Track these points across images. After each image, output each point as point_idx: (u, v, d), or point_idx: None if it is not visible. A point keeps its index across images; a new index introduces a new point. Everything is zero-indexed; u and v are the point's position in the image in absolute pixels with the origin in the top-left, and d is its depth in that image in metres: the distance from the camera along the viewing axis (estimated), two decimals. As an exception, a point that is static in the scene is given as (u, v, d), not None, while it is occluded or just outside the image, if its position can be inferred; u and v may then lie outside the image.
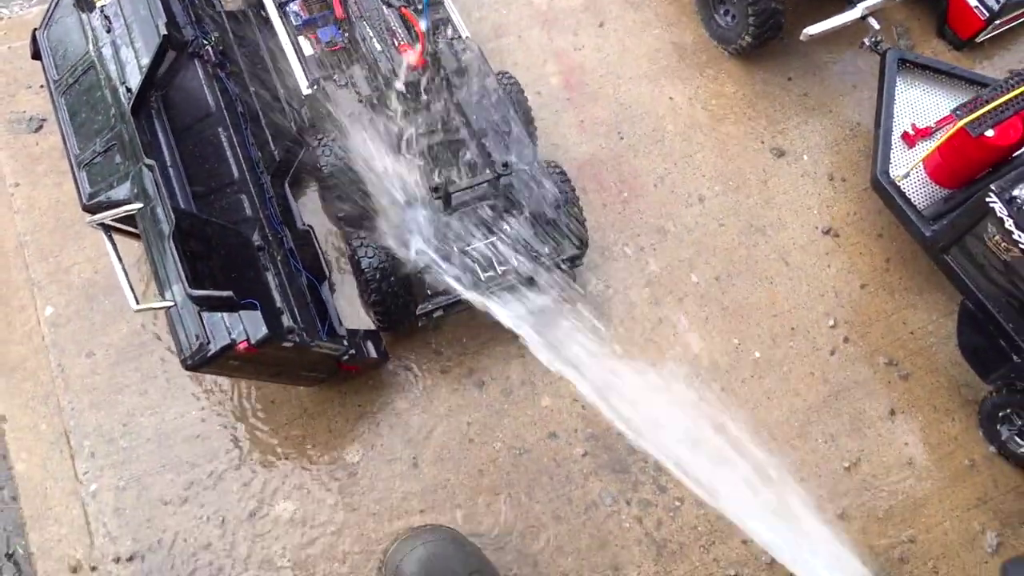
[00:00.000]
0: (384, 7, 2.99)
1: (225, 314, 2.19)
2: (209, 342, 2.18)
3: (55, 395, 2.82)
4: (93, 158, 2.47)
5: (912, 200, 3.00)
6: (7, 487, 2.77)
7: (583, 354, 2.80)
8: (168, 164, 2.47)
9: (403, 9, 2.96)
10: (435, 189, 2.62)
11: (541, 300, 2.78)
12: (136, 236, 2.53)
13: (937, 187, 3.06)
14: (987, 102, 2.79)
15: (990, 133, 2.75)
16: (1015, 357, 2.71)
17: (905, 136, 3.15)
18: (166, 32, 2.41)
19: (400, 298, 2.68)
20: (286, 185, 3.00)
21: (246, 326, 2.18)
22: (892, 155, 3.08)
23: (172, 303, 2.22)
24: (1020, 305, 2.66)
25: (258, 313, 2.18)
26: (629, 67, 3.56)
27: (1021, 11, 3.50)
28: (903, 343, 3.07)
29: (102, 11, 2.56)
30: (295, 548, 2.66)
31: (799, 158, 3.41)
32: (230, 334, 2.18)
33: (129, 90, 2.43)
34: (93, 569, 2.62)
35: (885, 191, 3.03)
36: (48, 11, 2.66)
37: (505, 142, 2.77)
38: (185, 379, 2.86)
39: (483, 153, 2.79)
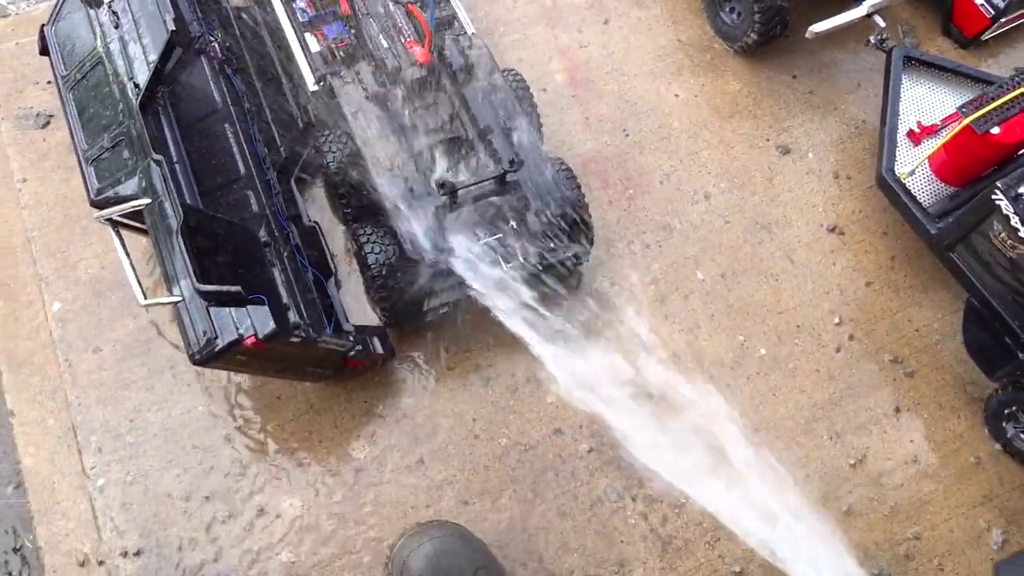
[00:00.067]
0: (391, 4, 2.99)
1: (232, 309, 2.20)
2: (217, 337, 2.19)
3: (63, 390, 2.83)
4: (101, 154, 2.48)
5: (917, 198, 3.00)
6: (14, 481, 2.78)
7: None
8: (175, 160, 2.48)
9: (409, 6, 2.96)
10: (441, 186, 2.63)
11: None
12: (143, 232, 2.54)
13: (942, 185, 3.06)
14: (993, 100, 2.80)
15: (996, 130, 2.75)
16: (1020, 354, 2.70)
17: (910, 134, 3.15)
18: (174, 28, 2.41)
19: (406, 294, 2.68)
20: (292, 181, 3.01)
21: (253, 321, 2.18)
22: (897, 153, 3.09)
23: (180, 298, 2.23)
24: (1026, 302, 2.66)
25: (265, 308, 2.19)
26: (634, 64, 3.56)
27: (1026, 9, 3.50)
28: (908, 341, 3.07)
29: (110, 7, 2.56)
30: (301, 543, 2.67)
31: (804, 156, 3.41)
32: (237, 329, 2.18)
33: (137, 86, 2.44)
34: (100, 563, 2.63)
35: (890, 189, 3.03)
36: (56, 7, 2.67)
37: (511, 139, 2.77)
38: (192, 374, 2.87)
39: (489, 150, 2.79)
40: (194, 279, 2.11)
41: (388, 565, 2.50)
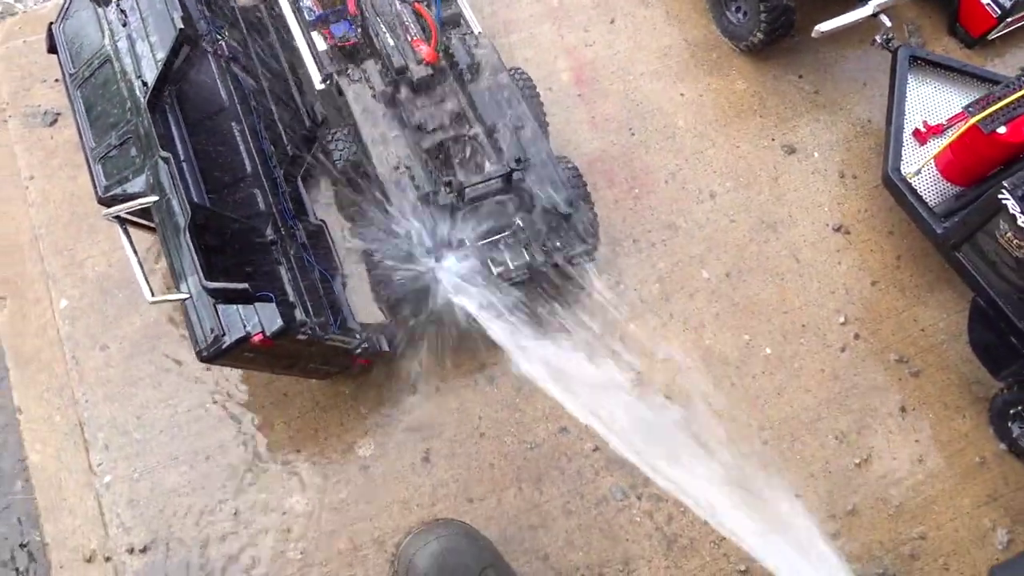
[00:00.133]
0: (397, 2, 3.00)
1: (240, 306, 2.20)
2: (224, 334, 2.20)
3: (70, 387, 2.84)
4: (108, 151, 2.49)
5: (923, 197, 3.00)
6: (22, 478, 2.79)
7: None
8: (182, 158, 2.48)
9: (416, 4, 2.97)
10: (448, 184, 2.63)
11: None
12: (150, 229, 2.55)
13: (948, 184, 3.06)
14: (999, 99, 2.79)
15: (1002, 130, 2.75)
16: (1026, 354, 2.71)
17: (916, 133, 3.15)
18: (182, 26, 2.42)
19: (413, 291, 2.69)
20: (299, 179, 3.02)
21: (261, 318, 2.19)
22: (903, 152, 3.08)
23: (187, 295, 2.23)
24: (1032, 302, 2.66)
25: (273, 306, 2.20)
26: (640, 63, 3.57)
27: (1033, 9, 3.49)
28: (914, 340, 3.07)
29: (118, 5, 2.57)
30: (307, 540, 2.68)
31: (810, 155, 3.41)
32: (245, 326, 2.19)
33: (145, 84, 2.44)
34: (107, 559, 2.64)
35: (896, 188, 3.03)
36: (64, 5, 2.67)
37: (518, 138, 2.78)
38: (198, 372, 2.87)
39: (496, 148, 2.80)
40: (201, 276, 2.11)
41: (394, 563, 2.51)
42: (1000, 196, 2.53)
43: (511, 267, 2.70)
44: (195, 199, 2.33)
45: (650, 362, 2.97)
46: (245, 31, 3.02)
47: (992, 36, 3.60)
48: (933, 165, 3.08)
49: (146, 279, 2.31)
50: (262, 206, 2.66)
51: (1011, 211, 2.51)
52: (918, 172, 3.02)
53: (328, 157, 2.90)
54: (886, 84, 3.26)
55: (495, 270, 2.69)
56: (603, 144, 3.38)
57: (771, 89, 3.55)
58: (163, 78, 2.45)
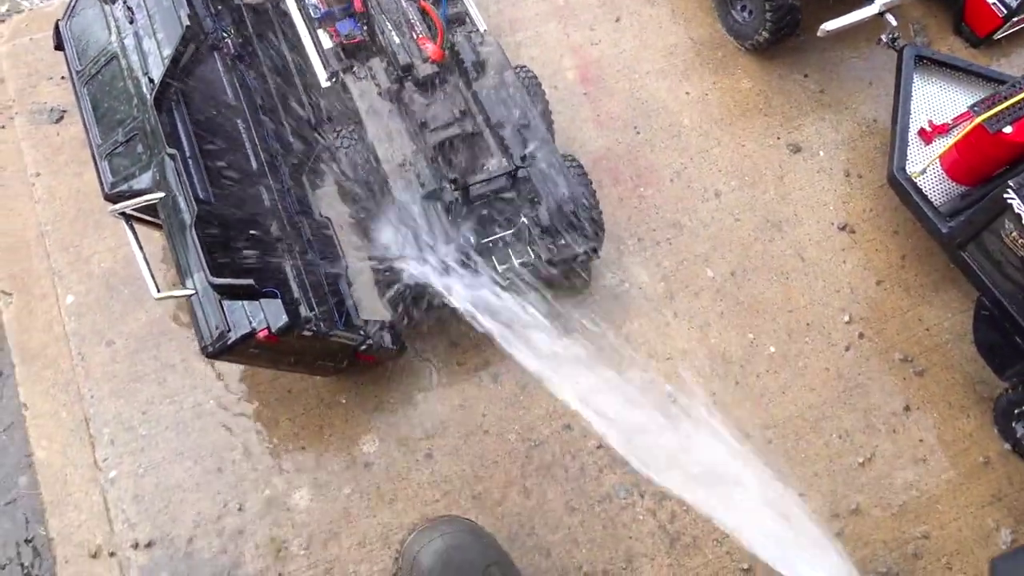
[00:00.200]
0: (403, 0, 3.00)
1: (245, 303, 2.21)
2: (229, 330, 2.20)
3: (75, 383, 2.85)
4: (115, 148, 2.50)
5: (929, 197, 3.00)
6: (27, 474, 2.80)
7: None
8: (188, 155, 2.49)
9: (422, 2, 2.97)
10: (453, 181, 2.64)
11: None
12: (156, 225, 2.55)
13: (954, 184, 3.06)
14: (1005, 99, 2.79)
15: (1008, 130, 2.74)
16: (1031, 354, 2.71)
17: (922, 133, 3.15)
18: (188, 23, 2.43)
19: (417, 289, 2.69)
20: (304, 177, 3.02)
21: (266, 315, 2.20)
22: (909, 152, 3.08)
23: (193, 291, 2.24)
24: (1037, 302, 2.66)
25: (278, 302, 2.20)
26: (645, 62, 3.57)
27: (1039, 9, 3.49)
28: (918, 340, 3.07)
29: (125, 3, 2.58)
30: (311, 536, 2.68)
31: (815, 154, 3.41)
32: (250, 322, 2.20)
33: (151, 81, 2.45)
34: (112, 555, 2.65)
35: (902, 187, 3.03)
36: (71, 3, 2.69)
37: (523, 135, 2.78)
38: (203, 368, 2.88)
39: (501, 146, 2.80)
40: (207, 272, 2.12)
41: (398, 560, 2.51)
42: (1005, 195, 2.53)
43: (516, 265, 2.70)
44: (201, 196, 2.33)
45: (654, 360, 2.97)
46: (251, 28, 3.03)
47: (998, 36, 3.59)
48: (938, 164, 3.08)
49: (152, 275, 2.31)
50: (267, 203, 2.66)
51: (1016, 211, 2.51)
52: (923, 171, 3.02)
53: (333, 155, 2.91)
54: (892, 83, 3.26)
55: (500, 268, 2.69)
56: (608, 142, 3.38)
57: (776, 88, 3.55)
58: (169, 75, 2.46)
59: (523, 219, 2.74)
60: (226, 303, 2.22)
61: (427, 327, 2.93)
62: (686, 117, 3.45)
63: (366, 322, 2.74)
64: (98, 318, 2.94)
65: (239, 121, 2.74)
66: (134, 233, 2.39)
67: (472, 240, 2.69)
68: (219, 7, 2.87)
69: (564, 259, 2.77)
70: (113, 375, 2.87)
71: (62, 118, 3.27)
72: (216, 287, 2.14)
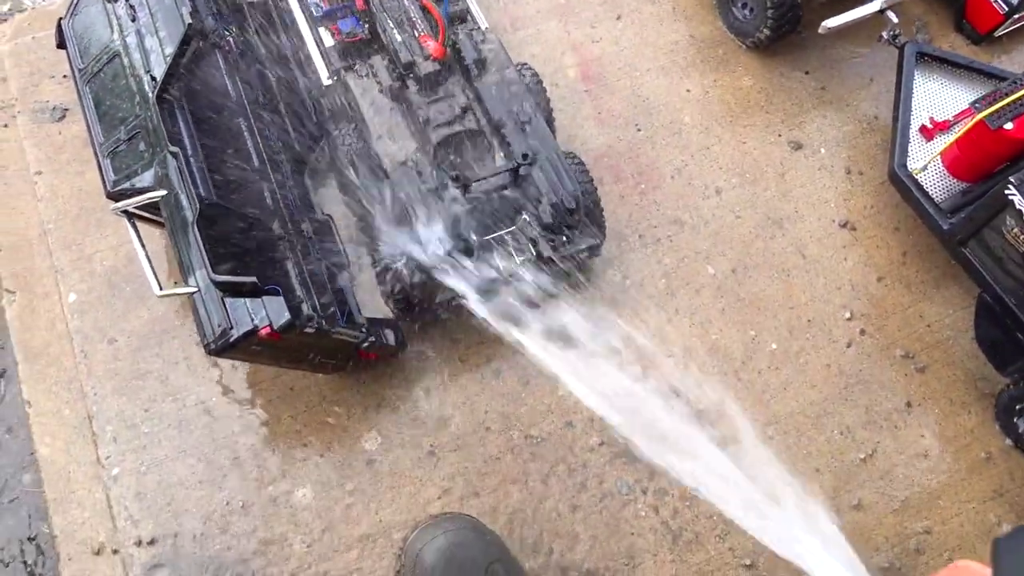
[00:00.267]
0: (405, -2, 3.01)
1: (247, 300, 2.22)
2: (232, 328, 2.21)
3: (78, 381, 2.86)
4: (117, 146, 2.50)
5: (930, 193, 3.00)
6: (30, 471, 2.81)
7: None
8: (190, 153, 2.50)
9: (423, 0, 2.97)
10: (455, 178, 2.64)
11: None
12: (158, 224, 2.56)
13: (955, 180, 3.06)
14: (1006, 95, 2.79)
15: (1009, 126, 2.75)
16: (1032, 350, 2.71)
17: (923, 129, 3.15)
18: (191, 21, 2.43)
19: (419, 286, 2.70)
20: (306, 174, 3.03)
21: (268, 312, 2.20)
22: (910, 148, 3.09)
23: (195, 289, 2.25)
24: (1038, 298, 2.66)
25: (280, 299, 2.21)
26: (646, 59, 3.57)
27: (1041, 6, 3.49)
28: (920, 336, 3.07)
29: (127, 0, 2.58)
30: (313, 533, 2.69)
31: (816, 151, 3.41)
32: (252, 320, 2.20)
33: (154, 79, 2.45)
34: (115, 552, 2.65)
35: (903, 184, 3.03)
36: (73, 1, 2.69)
37: (524, 133, 2.78)
38: (205, 366, 2.89)
39: (503, 143, 2.81)
40: (209, 270, 2.13)
41: (401, 557, 2.52)
42: (1007, 192, 2.53)
43: (517, 262, 2.70)
44: (203, 193, 2.34)
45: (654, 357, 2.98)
46: (253, 26, 3.03)
47: (999, 33, 3.59)
48: (939, 161, 3.08)
49: (154, 273, 2.32)
50: (269, 201, 2.67)
51: (1017, 207, 2.51)
52: (924, 168, 3.03)
53: (335, 152, 2.91)
54: (893, 80, 3.26)
55: (501, 265, 2.70)
56: (609, 140, 3.38)
57: (777, 85, 3.55)
58: (171, 73, 2.46)
59: (524, 216, 2.74)
60: (228, 301, 2.22)
61: (428, 324, 2.94)
62: (687, 114, 3.46)
63: (368, 320, 2.75)
64: (100, 316, 2.95)
65: (241, 119, 2.74)
66: (136, 231, 2.40)
67: (473, 237, 2.70)
68: (221, 5, 2.88)
69: (565, 256, 2.77)
70: (116, 373, 2.87)
71: (64, 116, 3.28)
72: (218, 284, 2.15)
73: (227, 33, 2.82)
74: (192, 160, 2.42)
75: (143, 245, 2.36)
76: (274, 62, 3.07)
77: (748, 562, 2.69)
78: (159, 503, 2.71)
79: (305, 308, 2.43)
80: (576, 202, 2.74)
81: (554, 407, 2.89)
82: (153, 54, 2.51)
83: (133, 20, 2.56)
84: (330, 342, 2.51)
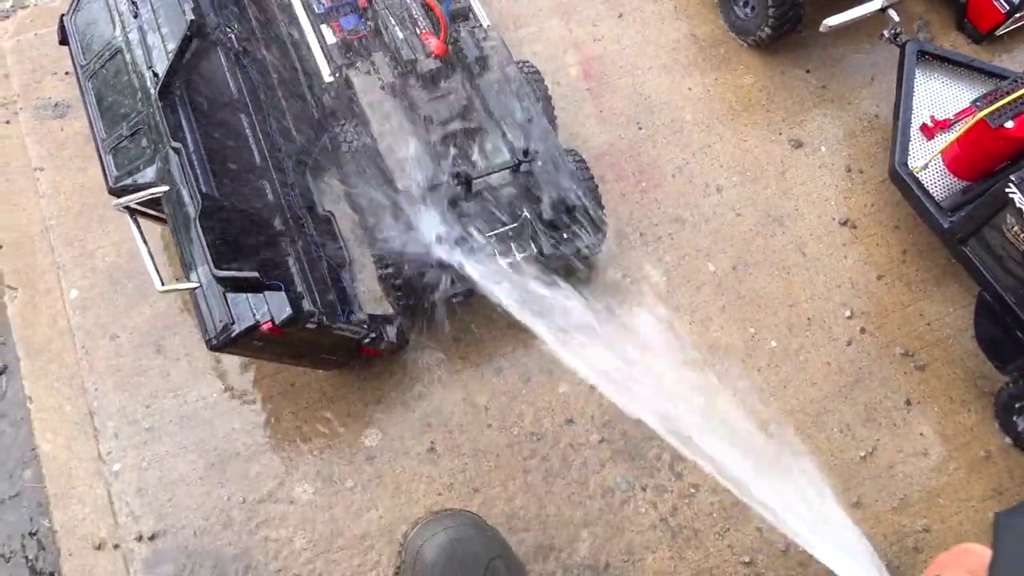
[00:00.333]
0: (406, -5, 3.01)
1: (249, 296, 2.22)
2: (234, 323, 2.21)
3: (80, 377, 2.87)
4: (119, 142, 2.50)
5: (930, 191, 3.00)
6: (32, 467, 2.81)
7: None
8: (192, 149, 2.50)
9: (425, -3, 2.98)
10: (456, 175, 2.65)
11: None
12: (160, 220, 2.57)
13: (955, 179, 3.07)
14: (1007, 94, 2.80)
15: (1010, 124, 2.75)
16: (1032, 348, 2.72)
17: (924, 128, 3.15)
18: (193, 17, 2.44)
19: (420, 283, 2.70)
20: (307, 171, 3.03)
21: (270, 307, 2.21)
22: (910, 147, 3.09)
23: (197, 284, 2.25)
24: (1038, 296, 2.67)
25: (282, 294, 2.22)
26: (648, 58, 3.58)
27: (1042, 5, 3.49)
28: (920, 334, 3.08)
29: (129, -3, 2.59)
30: (314, 530, 2.69)
31: (817, 149, 3.41)
32: (254, 315, 2.20)
33: (156, 75, 2.46)
34: (116, 547, 2.66)
35: (903, 182, 3.04)
36: (76, -3, 2.70)
37: (526, 130, 2.79)
38: (207, 362, 2.90)
39: (504, 141, 2.81)
40: (211, 265, 2.13)
41: (401, 553, 2.51)
42: (1007, 190, 2.54)
43: (518, 259, 2.71)
44: (205, 189, 2.34)
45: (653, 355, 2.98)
46: (254, 23, 3.03)
47: (1000, 32, 3.60)
48: (940, 160, 3.08)
49: (156, 269, 2.32)
50: (271, 197, 2.68)
51: (1018, 205, 2.52)
52: (925, 167, 3.03)
53: (336, 149, 2.92)
54: (894, 79, 3.26)
55: (502, 262, 2.70)
56: (611, 138, 3.39)
57: (779, 84, 3.56)
58: (173, 69, 2.46)
59: (526, 213, 2.75)
60: (230, 296, 2.23)
61: (429, 321, 2.94)
62: (688, 113, 3.46)
63: (369, 316, 2.76)
64: (102, 312, 2.96)
65: (243, 115, 2.75)
66: (138, 227, 2.40)
67: (475, 234, 2.70)
68: (223, 1, 2.88)
69: (567, 254, 2.78)
70: (117, 369, 2.88)
71: (66, 113, 3.28)
72: (220, 280, 2.15)
73: (229, 30, 2.83)
74: (194, 156, 2.43)
75: (145, 241, 2.37)
76: (276, 59, 3.07)
77: (747, 559, 2.70)
78: (160, 499, 2.72)
79: (306, 304, 2.44)
80: (577, 199, 2.75)
81: (555, 404, 2.89)
82: (155, 50, 2.51)
83: (135, 16, 2.57)
84: (331, 338, 2.52)
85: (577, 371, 2.73)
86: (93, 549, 2.66)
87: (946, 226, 2.89)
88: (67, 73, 3.32)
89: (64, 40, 2.68)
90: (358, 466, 2.79)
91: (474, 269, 2.66)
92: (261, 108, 2.80)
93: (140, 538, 2.67)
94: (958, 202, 2.99)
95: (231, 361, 2.89)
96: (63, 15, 2.69)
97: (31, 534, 2.76)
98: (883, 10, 3.24)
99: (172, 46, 2.48)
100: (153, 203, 2.42)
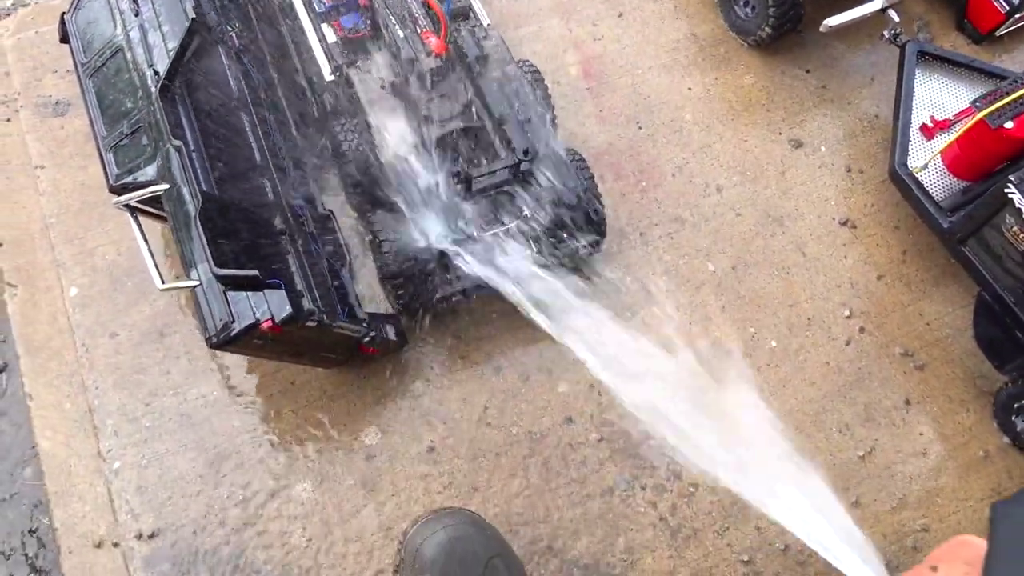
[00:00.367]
0: (407, -6, 3.01)
1: (249, 294, 2.22)
2: (233, 321, 2.21)
3: (79, 374, 2.87)
4: (120, 140, 2.51)
5: (930, 192, 3.01)
6: (32, 464, 2.81)
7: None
8: (192, 147, 2.50)
9: (425, -4, 2.99)
10: (456, 174, 2.65)
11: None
12: (161, 218, 2.57)
13: (955, 179, 3.07)
14: (1007, 94, 2.80)
15: (1009, 125, 2.76)
16: (1031, 348, 2.72)
17: (923, 128, 3.16)
18: (194, 16, 2.44)
19: (420, 282, 2.70)
20: (307, 169, 3.03)
21: (270, 305, 2.21)
22: (910, 147, 3.09)
23: (197, 282, 2.25)
24: (1037, 296, 2.67)
25: (282, 292, 2.22)
26: (648, 57, 3.58)
27: (1042, 5, 3.50)
28: (919, 334, 3.08)
29: (130, -5, 2.59)
30: (313, 527, 2.69)
31: (817, 149, 3.42)
32: (254, 313, 2.21)
33: (157, 73, 2.46)
34: (115, 545, 2.66)
35: (903, 183, 3.04)
36: (77, -5, 2.70)
37: (526, 129, 2.79)
38: (207, 360, 2.90)
39: (503, 140, 2.81)
40: (212, 264, 2.13)
41: (401, 551, 2.52)
42: (1006, 190, 2.54)
43: (517, 258, 2.71)
44: (205, 187, 2.35)
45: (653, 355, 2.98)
46: (255, 22, 3.04)
47: (1000, 32, 3.60)
48: (940, 160, 3.09)
49: (156, 266, 2.32)
50: (271, 196, 2.68)
51: (1017, 205, 2.52)
52: (925, 167, 3.03)
53: (337, 148, 2.92)
54: (893, 79, 3.27)
55: (502, 261, 2.70)
56: (610, 137, 3.39)
57: (779, 84, 3.56)
58: (174, 67, 2.47)
59: (525, 212, 2.75)
60: (230, 294, 2.23)
61: (428, 320, 2.94)
62: (688, 112, 3.46)
63: (369, 315, 2.76)
64: (102, 310, 2.96)
65: (243, 114, 2.75)
66: (139, 225, 2.40)
67: (475, 233, 2.70)
68: (224, 0, 2.88)
69: (566, 253, 2.78)
70: (117, 367, 2.88)
71: (67, 111, 3.28)
72: (220, 278, 2.15)
73: (230, 28, 2.83)
74: (194, 154, 2.43)
75: (145, 239, 2.37)
76: (276, 58, 3.07)
77: (746, 558, 2.70)
78: (160, 497, 2.72)
79: (306, 302, 2.44)
80: (577, 199, 2.75)
81: (554, 403, 2.89)
82: (156, 49, 2.52)
83: (136, 15, 2.57)
84: (331, 336, 2.52)
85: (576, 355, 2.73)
86: (93, 547, 2.66)
87: (946, 226, 2.90)
88: (68, 71, 3.32)
89: (65, 38, 2.68)
90: (357, 464, 2.79)
91: (473, 267, 2.66)
92: (261, 106, 2.80)
93: (140, 536, 2.67)
94: (958, 202, 2.99)
95: (231, 359, 2.89)
96: (64, 13, 2.70)
97: (31, 532, 2.76)
98: (883, 10, 3.24)
99: (173, 44, 2.48)
100: (153, 201, 2.42)
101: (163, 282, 2.31)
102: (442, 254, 2.68)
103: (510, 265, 2.70)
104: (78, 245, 3.05)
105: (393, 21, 2.95)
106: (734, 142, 3.41)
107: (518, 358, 2.96)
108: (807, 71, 3.60)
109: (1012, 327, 2.76)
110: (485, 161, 2.84)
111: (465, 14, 3.14)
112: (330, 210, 3.02)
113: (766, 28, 3.41)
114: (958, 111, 3.16)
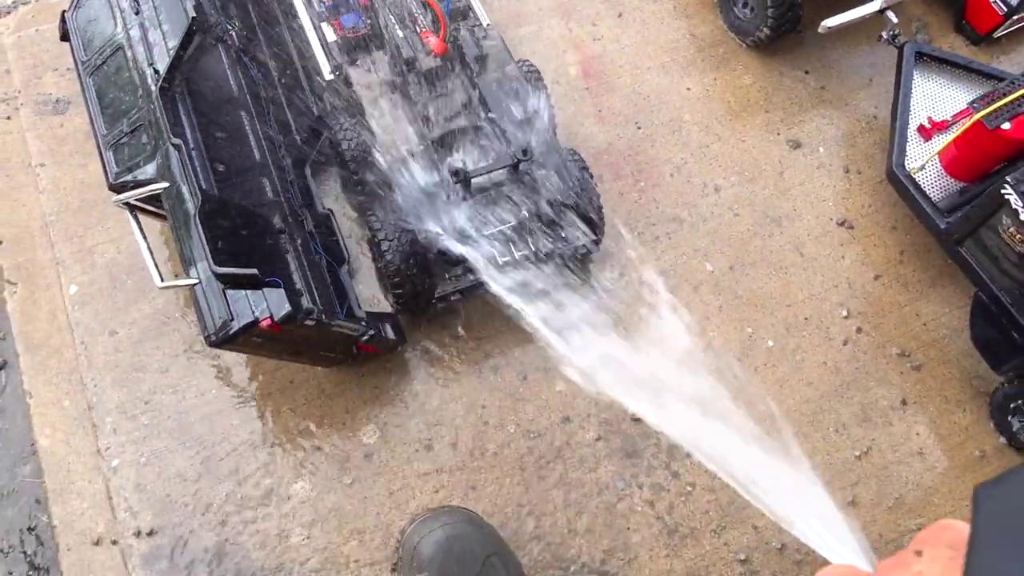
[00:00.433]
0: (406, -6, 3.02)
1: (248, 292, 2.23)
2: (232, 319, 2.22)
3: (79, 372, 2.87)
4: (120, 139, 2.51)
5: (927, 192, 3.02)
6: (31, 462, 2.82)
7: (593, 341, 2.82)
8: (192, 146, 2.51)
9: (425, -4, 2.99)
10: (455, 174, 2.66)
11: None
12: (160, 216, 2.58)
13: (952, 180, 3.08)
14: (1004, 95, 2.81)
15: (1007, 126, 2.77)
16: (1027, 349, 2.73)
17: (921, 129, 3.17)
18: (194, 14, 2.44)
19: (419, 281, 2.71)
20: (307, 169, 3.04)
21: (269, 304, 2.21)
22: (908, 148, 3.10)
23: (196, 281, 2.26)
24: (1034, 297, 2.68)
25: (281, 291, 2.22)
26: (647, 58, 3.59)
27: (1040, 7, 3.51)
28: (916, 334, 3.09)
29: (131, -6, 2.60)
30: (312, 527, 2.70)
31: (815, 150, 3.43)
32: (253, 312, 2.21)
33: (157, 71, 2.47)
34: (114, 543, 2.67)
35: (900, 183, 3.05)
36: (77, -6, 2.70)
37: (525, 129, 2.80)
38: (206, 358, 2.90)
39: (503, 139, 2.82)
40: (211, 262, 2.14)
41: (399, 549, 2.53)
42: (1003, 191, 2.55)
43: (515, 257, 2.72)
44: (204, 186, 2.35)
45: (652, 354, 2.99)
46: (255, 20, 3.04)
47: (998, 34, 3.61)
48: (937, 161, 3.10)
49: (155, 264, 2.33)
50: (270, 194, 2.68)
51: (1014, 206, 2.53)
52: (922, 168, 3.04)
53: (336, 147, 2.93)
54: (892, 80, 3.28)
55: (501, 260, 2.71)
56: (609, 137, 3.40)
57: (777, 84, 3.57)
58: (174, 66, 2.47)
59: (524, 212, 2.76)
60: (229, 293, 2.24)
61: (427, 319, 2.95)
62: (687, 113, 3.47)
63: (368, 313, 2.76)
64: (101, 308, 2.96)
65: (243, 113, 2.76)
66: (138, 223, 2.41)
67: (473, 233, 2.71)
68: (224, -1, 2.89)
69: (564, 252, 2.79)
70: (116, 364, 2.89)
71: (67, 109, 3.29)
72: (219, 276, 2.16)
73: (230, 27, 2.83)
74: (194, 153, 2.44)
75: (145, 237, 2.38)
76: (276, 56, 3.08)
77: (743, 557, 2.71)
78: (158, 494, 2.73)
79: (305, 301, 2.44)
80: (575, 199, 2.76)
81: (552, 402, 2.90)
82: (156, 47, 2.52)
83: (137, 13, 2.58)
84: (330, 335, 2.52)
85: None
86: (91, 544, 2.67)
87: (943, 227, 2.91)
88: (68, 69, 3.33)
89: (65, 36, 2.69)
90: (356, 463, 2.80)
91: (472, 267, 2.67)
92: (261, 105, 2.81)
93: (138, 533, 2.67)
94: (955, 203, 3.00)
95: (230, 358, 2.90)
96: (65, 11, 2.70)
97: (30, 529, 2.76)
98: (882, 11, 3.26)
99: (173, 43, 2.49)
100: (153, 199, 2.43)
101: (162, 280, 2.32)
102: (441, 253, 2.69)
103: (508, 264, 2.71)
104: (78, 243, 3.06)
105: (393, 20, 2.95)
106: (732, 142, 3.42)
107: (516, 357, 2.97)
108: (806, 72, 3.61)
109: (1008, 328, 2.77)
110: (484, 161, 2.84)
111: (464, 14, 3.14)
112: (330, 209, 3.03)
113: (765, 29, 3.42)
114: (956, 112, 3.17)
